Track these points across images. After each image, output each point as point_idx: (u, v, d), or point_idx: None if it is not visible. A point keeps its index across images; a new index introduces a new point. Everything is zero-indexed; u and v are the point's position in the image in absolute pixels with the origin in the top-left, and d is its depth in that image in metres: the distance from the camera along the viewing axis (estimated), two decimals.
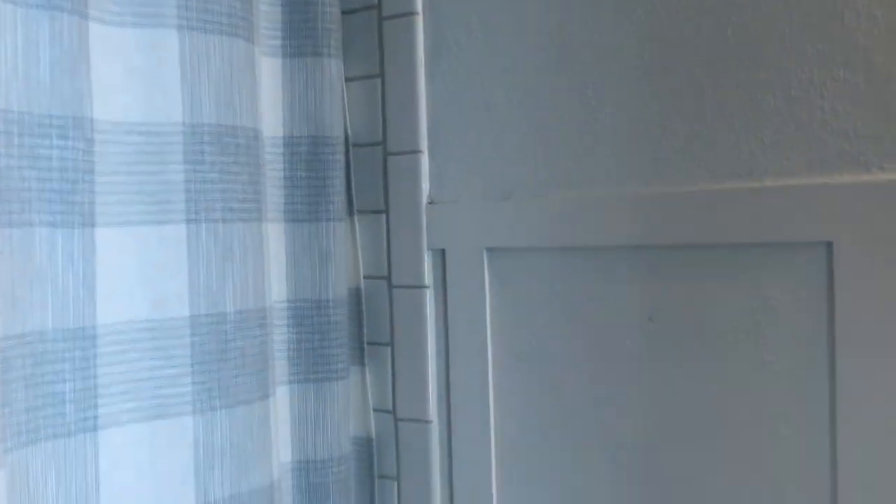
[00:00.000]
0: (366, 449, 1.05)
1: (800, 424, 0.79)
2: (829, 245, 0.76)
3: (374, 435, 1.05)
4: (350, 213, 1.04)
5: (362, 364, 1.05)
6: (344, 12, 1.03)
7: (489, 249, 0.96)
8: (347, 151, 1.04)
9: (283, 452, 0.97)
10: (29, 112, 0.72)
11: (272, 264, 0.95)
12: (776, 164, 0.79)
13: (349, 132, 1.04)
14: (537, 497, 0.94)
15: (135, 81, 0.79)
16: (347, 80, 1.05)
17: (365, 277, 1.05)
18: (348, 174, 1.04)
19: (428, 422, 1.01)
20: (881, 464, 0.74)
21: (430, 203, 1.01)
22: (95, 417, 0.77)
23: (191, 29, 0.82)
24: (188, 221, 0.82)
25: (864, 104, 0.75)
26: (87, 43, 0.76)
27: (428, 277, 1.01)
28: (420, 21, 1.00)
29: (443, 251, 1.00)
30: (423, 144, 1.01)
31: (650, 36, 0.85)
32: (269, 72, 0.96)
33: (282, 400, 0.97)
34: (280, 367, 0.97)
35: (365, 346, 1.05)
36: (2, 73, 0.69)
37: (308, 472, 0.98)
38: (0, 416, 0.67)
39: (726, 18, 0.81)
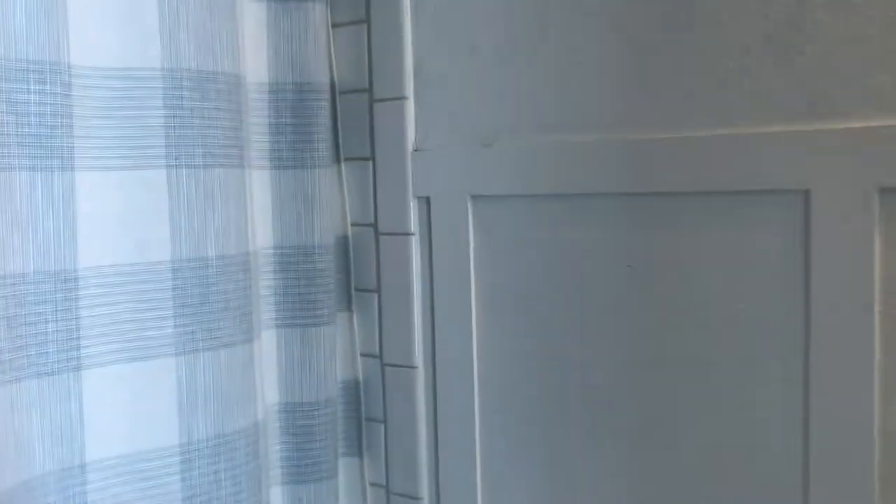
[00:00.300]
0: (353, 392, 1.07)
1: (774, 368, 0.79)
2: (808, 193, 0.76)
3: (361, 379, 1.07)
4: (337, 160, 1.05)
5: (350, 310, 1.06)
6: None
7: (473, 197, 0.96)
8: (334, 98, 1.04)
9: (270, 395, 0.99)
10: (6, 57, 0.72)
11: (258, 211, 0.96)
12: (757, 112, 0.78)
13: (335, 79, 1.04)
14: (520, 436, 0.96)
15: (112, 26, 0.79)
16: (334, 25, 1.04)
17: (352, 224, 1.06)
18: (335, 121, 1.04)
19: (413, 367, 1.02)
20: (851, 404, 0.74)
21: (415, 150, 1.01)
22: (78, 358, 0.78)
23: None
24: (168, 166, 0.83)
25: (844, 50, 0.74)
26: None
27: (413, 225, 1.01)
28: None
29: (428, 199, 1.00)
30: (409, 91, 1.00)
31: None
32: (253, 16, 0.96)
33: (269, 344, 0.98)
34: (267, 311, 0.98)
35: (353, 292, 1.06)
36: None
37: (295, 414, 1.00)
38: None
39: None
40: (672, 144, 0.82)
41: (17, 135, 0.74)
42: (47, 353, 0.76)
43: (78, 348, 0.78)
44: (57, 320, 0.77)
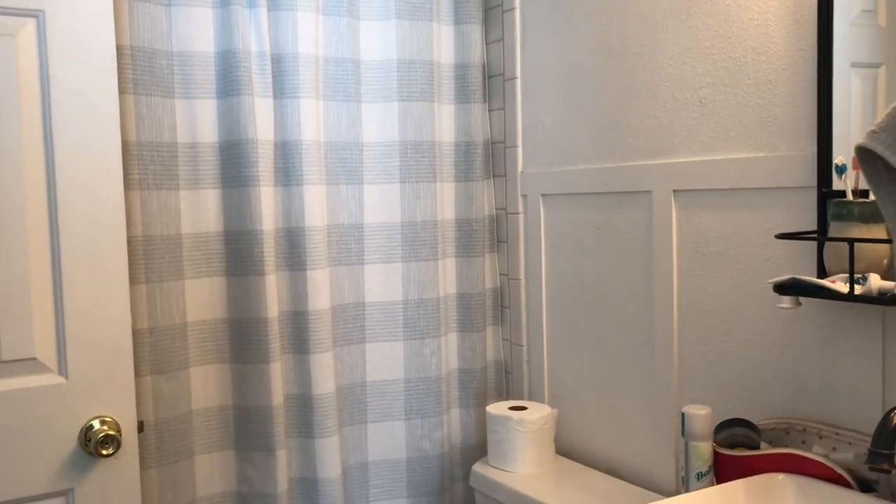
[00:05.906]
0: (495, 292, 2.14)
1: (642, 295, 1.71)
2: (650, 192, 1.67)
3: (499, 285, 2.13)
4: (487, 176, 2.12)
5: (493, 251, 2.13)
6: (490, 76, 2.11)
7: (542, 195, 1.98)
8: (488, 147, 2.12)
9: (450, 288, 2.09)
10: (337, 140, 1.92)
11: (446, 202, 2.07)
12: (641, 153, 1.71)
13: (490, 137, 2.12)
14: (562, 316, 1.96)
15: (378, 123, 1.96)
16: (491, 110, 2.13)
17: (496, 208, 2.13)
18: (487, 158, 2.12)
19: (519, 279, 2.07)
20: (665, 287, 1.65)
21: (521, 172, 2.05)
22: (363, 259, 1.96)
23: (402, 99, 1.97)
24: (400, 182, 1.98)
25: (661, 127, 1.65)
26: (361, 114, 1.95)
27: (521, 208, 2.06)
28: (519, 84, 2.04)
29: (526, 196, 2.04)
30: (520, 143, 2.05)
31: (617, 91, 1.81)
32: (448, 112, 2.07)
33: (450, 263, 2.09)
34: (449, 248, 2.09)
35: (496, 241, 2.13)
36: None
37: (463, 298, 2.10)
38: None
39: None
40: (616, 169, 1.78)
41: (342, 170, 1.94)
42: (350, 254, 1.95)
43: (363, 254, 1.97)
44: (356, 242, 1.96)
